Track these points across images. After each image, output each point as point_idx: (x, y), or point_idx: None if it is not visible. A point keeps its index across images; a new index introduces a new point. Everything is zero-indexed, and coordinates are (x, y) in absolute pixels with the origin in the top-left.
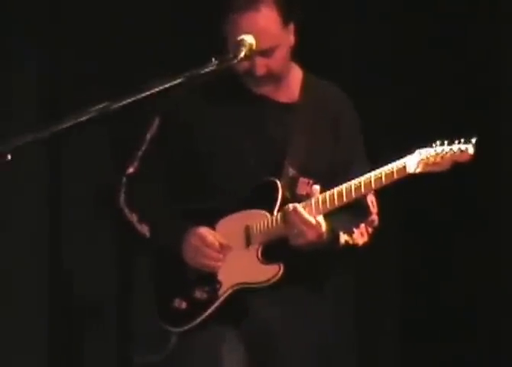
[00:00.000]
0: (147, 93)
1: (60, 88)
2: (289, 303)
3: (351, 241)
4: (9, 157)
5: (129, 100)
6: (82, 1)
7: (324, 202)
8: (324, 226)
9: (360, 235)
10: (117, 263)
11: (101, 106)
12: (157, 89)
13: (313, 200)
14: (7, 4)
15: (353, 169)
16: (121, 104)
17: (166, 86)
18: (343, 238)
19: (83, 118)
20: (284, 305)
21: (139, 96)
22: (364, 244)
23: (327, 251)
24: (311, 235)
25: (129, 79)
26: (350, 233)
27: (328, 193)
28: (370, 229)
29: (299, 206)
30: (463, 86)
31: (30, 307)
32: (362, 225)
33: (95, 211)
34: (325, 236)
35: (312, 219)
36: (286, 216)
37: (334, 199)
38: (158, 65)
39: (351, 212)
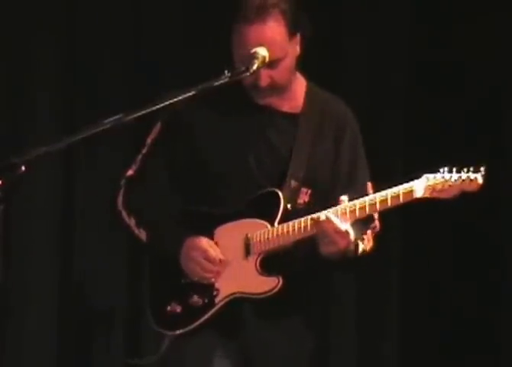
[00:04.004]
0: (161, 105)
1: (76, 99)
2: (275, 319)
3: (365, 249)
4: (23, 168)
5: (143, 112)
6: (98, 10)
7: (352, 211)
8: (352, 235)
9: (368, 242)
10: (128, 269)
11: (115, 118)
12: (170, 101)
13: (344, 208)
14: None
15: (356, 181)
16: (134, 116)
17: (179, 97)
18: (361, 246)
19: (97, 130)
20: (270, 321)
21: (153, 108)
22: (371, 250)
23: (349, 260)
24: (342, 244)
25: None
26: (362, 241)
27: (357, 203)
28: (372, 235)
29: (332, 215)
30: (473, 113)
31: (40, 313)
32: (369, 232)
33: (106, 221)
34: (352, 245)
35: (344, 227)
36: (318, 225)
37: (365, 208)
38: (173, 77)
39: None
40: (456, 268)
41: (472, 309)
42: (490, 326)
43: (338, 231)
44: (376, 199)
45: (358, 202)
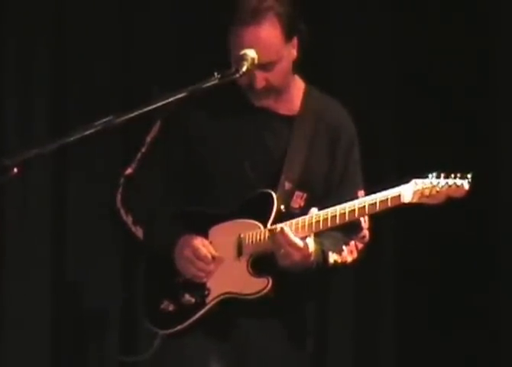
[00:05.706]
0: (151, 107)
1: (69, 101)
2: (267, 319)
3: (339, 260)
4: (15, 170)
5: (133, 114)
6: (90, 14)
7: (317, 222)
8: (312, 247)
9: (349, 253)
10: (121, 274)
11: (106, 120)
12: (160, 103)
13: (306, 220)
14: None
15: (345, 187)
16: (125, 117)
17: (170, 99)
18: (332, 258)
19: (88, 132)
20: (262, 321)
21: (143, 110)
22: (354, 261)
23: (315, 271)
24: (297, 257)
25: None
26: (339, 252)
27: (322, 214)
28: (360, 245)
29: (287, 227)
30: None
31: (34, 313)
32: (352, 243)
33: (99, 222)
34: (312, 258)
35: (298, 241)
36: (273, 236)
37: (327, 220)
38: (165, 78)
39: (343, 227)
40: (452, 271)
41: (470, 304)
42: (486, 325)
43: (291, 243)
44: (365, 203)
45: (329, 211)
